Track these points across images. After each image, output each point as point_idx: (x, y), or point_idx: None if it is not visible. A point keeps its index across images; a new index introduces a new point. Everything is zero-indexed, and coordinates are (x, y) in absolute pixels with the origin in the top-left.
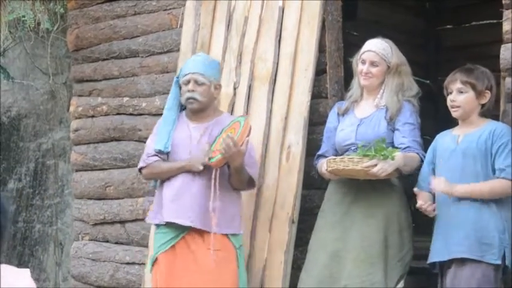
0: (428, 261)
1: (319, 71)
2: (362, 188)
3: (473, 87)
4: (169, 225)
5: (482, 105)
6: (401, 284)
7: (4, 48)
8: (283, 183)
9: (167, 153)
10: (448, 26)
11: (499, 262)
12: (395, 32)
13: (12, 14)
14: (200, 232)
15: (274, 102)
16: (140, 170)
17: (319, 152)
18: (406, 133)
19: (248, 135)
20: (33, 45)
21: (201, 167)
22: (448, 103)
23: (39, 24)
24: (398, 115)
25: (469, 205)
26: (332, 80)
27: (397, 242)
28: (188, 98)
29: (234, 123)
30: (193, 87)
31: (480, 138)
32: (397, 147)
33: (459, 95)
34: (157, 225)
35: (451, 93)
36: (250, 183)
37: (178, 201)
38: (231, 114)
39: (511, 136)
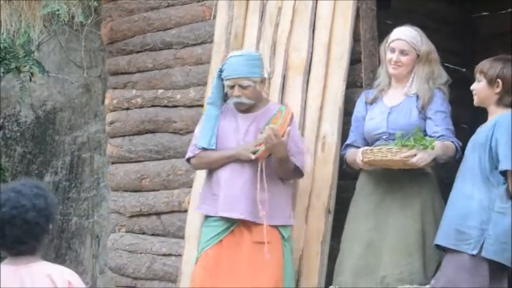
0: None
1: (354, 60)
2: (395, 178)
3: (485, 75)
4: (219, 218)
5: (500, 95)
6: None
7: (39, 42)
8: (319, 174)
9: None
10: (484, 13)
11: (474, 253)
12: (430, 21)
13: (47, 8)
14: (247, 224)
15: (308, 93)
16: (188, 160)
17: (347, 142)
18: (439, 121)
19: (290, 125)
20: (67, 39)
21: (252, 156)
22: (474, 92)
23: (73, 17)
24: (429, 103)
25: (461, 193)
26: (367, 69)
27: (434, 231)
28: (236, 103)
29: (277, 112)
30: (239, 92)
31: (486, 129)
32: (431, 136)
33: (476, 83)
34: (206, 217)
35: (478, 82)
36: (296, 172)
37: (228, 193)
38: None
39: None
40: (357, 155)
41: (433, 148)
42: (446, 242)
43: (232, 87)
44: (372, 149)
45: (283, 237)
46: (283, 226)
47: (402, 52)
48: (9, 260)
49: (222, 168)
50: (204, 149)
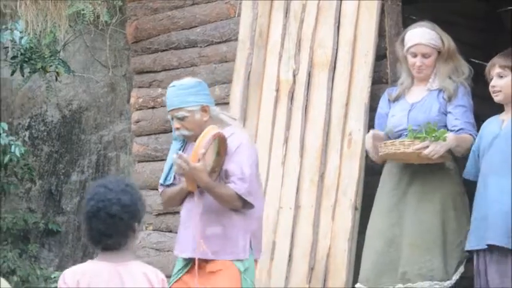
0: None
1: (379, 56)
2: (416, 172)
3: None
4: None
5: None
6: (461, 269)
7: (64, 42)
8: (345, 170)
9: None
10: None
11: None
12: (455, 16)
13: (72, 8)
14: (203, 259)
15: (334, 89)
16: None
17: None
18: (459, 115)
19: (206, 147)
20: (92, 39)
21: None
22: (490, 89)
23: (98, 17)
24: (455, 95)
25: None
26: (392, 65)
27: (455, 227)
28: (178, 135)
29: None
30: (177, 125)
31: None
32: (451, 130)
33: (499, 79)
34: None
35: (491, 79)
36: (240, 200)
37: (182, 232)
38: (291, 102)
39: None
40: (368, 140)
41: (444, 139)
42: (505, 241)
43: (172, 119)
44: (385, 143)
45: (240, 270)
46: (238, 260)
47: (424, 55)
48: (102, 256)
49: (183, 204)
50: (168, 186)
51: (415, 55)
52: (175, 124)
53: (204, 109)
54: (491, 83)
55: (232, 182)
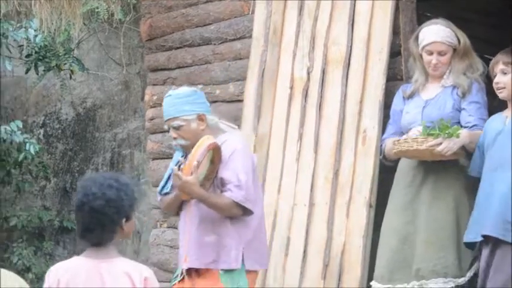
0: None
1: (394, 53)
2: (430, 169)
3: None
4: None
5: None
6: (475, 266)
7: (79, 40)
8: (360, 168)
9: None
10: None
11: None
12: (469, 12)
13: (86, 6)
14: (196, 269)
15: (348, 86)
16: None
17: (385, 136)
18: (473, 111)
19: (200, 159)
20: (106, 37)
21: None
22: (494, 86)
23: (112, 15)
24: (469, 91)
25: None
26: (407, 62)
27: None
28: (175, 145)
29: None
30: (174, 134)
31: None
32: (464, 127)
33: (503, 76)
34: None
35: (495, 76)
36: (238, 207)
37: (180, 242)
38: (305, 100)
39: None
40: (388, 147)
41: (458, 136)
42: (497, 232)
43: (169, 129)
44: (399, 140)
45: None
46: (228, 271)
47: (440, 53)
48: (88, 252)
49: (181, 212)
50: (165, 194)
51: (430, 53)
52: (172, 134)
53: (201, 118)
54: (495, 80)
55: (228, 189)
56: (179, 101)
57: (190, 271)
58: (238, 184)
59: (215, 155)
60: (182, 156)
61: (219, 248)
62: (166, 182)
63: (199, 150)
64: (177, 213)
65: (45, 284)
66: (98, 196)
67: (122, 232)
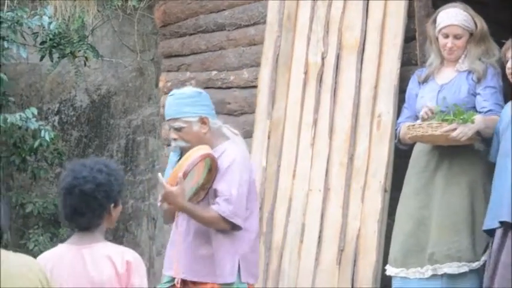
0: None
1: (409, 38)
2: (445, 154)
3: None
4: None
5: None
6: (490, 250)
7: (93, 27)
8: (375, 152)
9: None
10: None
11: None
12: None
13: None
14: (187, 282)
15: (363, 71)
16: None
17: (399, 120)
18: (488, 96)
19: (187, 170)
20: (120, 23)
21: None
22: (507, 71)
23: (126, 1)
24: (484, 76)
25: None
26: (422, 47)
27: (484, 208)
28: (174, 147)
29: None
30: (175, 135)
31: None
32: (479, 112)
33: None
34: None
35: (507, 61)
36: (225, 221)
37: (169, 248)
38: (319, 85)
39: None
40: (402, 131)
41: (472, 122)
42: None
43: (170, 130)
44: (413, 125)
45: None
46: (225, 285)
47: (456, 36)
48: (73, 238)
49: (176, 220)
50: None
51: (446, 36)
52: (172, 135)
53: (203, 121)
54: (507, 65)
55: (216, 203)
56: (182, 102)
57: (186, 281)
58: (227, 198)
59: (212, 163)
60: (177, 161)
61: (215, 261)
62: None
63: (188, 161)
64: (173, 220)
65: None
66: (89, 180)
67: (109, 218)
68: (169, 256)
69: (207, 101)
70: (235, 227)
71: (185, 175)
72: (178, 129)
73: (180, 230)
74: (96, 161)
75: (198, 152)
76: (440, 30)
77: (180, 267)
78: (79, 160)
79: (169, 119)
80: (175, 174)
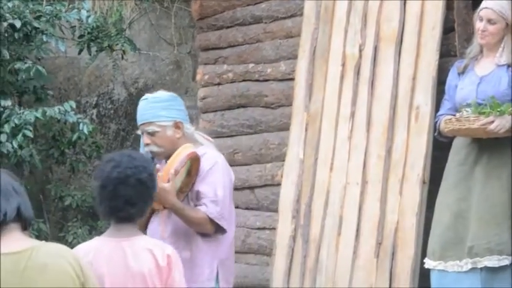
0: None
1: (447, 29)
2: (484, 147)
3: None
4: None
5: None
6: None
7: (130, 20)
8: (413, 144)
9: None
10: None
11: None
12: None
13: None
14: None
15: (401, 63)
16: None
17: (440, 112)
18: None
19: (178, 167)
20: (157, 16)
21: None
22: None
23: None
24: None
25: None
26: (461, 38)
27: None
28: (146, 152)
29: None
30: (147, 140)
31: None
32: None
33: None
34: None
35: None
36: (211, 224)
37: None
38: (357, 77)
39: None
40: (441, 124)
41: (510, 113)
42: None
43: (142, 134)
44: (450, 119)
45: None
46: None
47: (489, 21)
48: (110, 231)
49: (150, 226)
50: None
51: (481, 19)
52: (145, 139)
53: (177, 125)
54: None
55: (203, 204)
56: (156, 106)
57: None
58: (214, 199)
59: (193, 166)
60: (154, 164)
61: (193, 266)
62: None
63: (179, 158)
64: (146, 227)
65: None
66: (141, 169)
67: (150, 207)
68: None
69: (181, 105)
70: (218, 230)
71: (176, 173)
72: (151, 134)
73: (159, 234)
74: (136, 153)
75: (186, 150)
76: (478, 14)
77: None
78: (117, 153)
79: (143, 123)
80: (167, 171)
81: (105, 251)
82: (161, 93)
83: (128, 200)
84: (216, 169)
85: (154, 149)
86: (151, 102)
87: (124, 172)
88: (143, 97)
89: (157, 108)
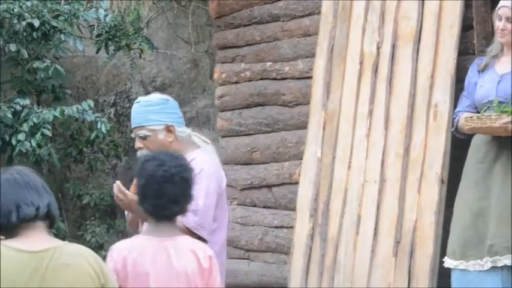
0: None
1: (466, 27)
2: (504, 145)
3: None
4: None
5: None
6: None
7: (148, 19)
8: (431, 143)
9: None
10: None
11: None
12: None
13: None
14: None
15: (419, 61)
16: None
17: (458, 109)
18: None
19: None
20: (175, 15)
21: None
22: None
23: None
24: None
25: None
26: (479, 36)
27: None
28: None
29: None
30: (139, 144)
31: None
32: None
33: None
34: None
35: None
36: (190, 234)
37: None
38: (375, 75)
39: None
40: (460, 122)
41: None
42: None
43: (135, 138)
44: (471, 117)
45: None
46: None
47: (508, 19)
48: (151, 230)
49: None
50: None
51: (500, 18)
52: (137, 143)
53: (169, 129)
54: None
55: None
56: (147, 109)
57: None
58: (194, 209)
59: None
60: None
61: None
62: None
63: None
64: (137, 228)
65: (110, 263)
66: (186, 168)
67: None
68: None
69: (175, 108)
70: (200, 239)
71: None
72: (143, 138)
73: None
74: (169, 151)
75: None
76: (496, 12)
77: None
78: (154, 153)
79: (135, 127)
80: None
81: (149, 249)
82: (153, 97)
83: (172, 198)
84: (200, 177)
85: (146, 153)
86: (143, 105)
87: (169, 171)
88: (136, 100)
89: (148, 112)
